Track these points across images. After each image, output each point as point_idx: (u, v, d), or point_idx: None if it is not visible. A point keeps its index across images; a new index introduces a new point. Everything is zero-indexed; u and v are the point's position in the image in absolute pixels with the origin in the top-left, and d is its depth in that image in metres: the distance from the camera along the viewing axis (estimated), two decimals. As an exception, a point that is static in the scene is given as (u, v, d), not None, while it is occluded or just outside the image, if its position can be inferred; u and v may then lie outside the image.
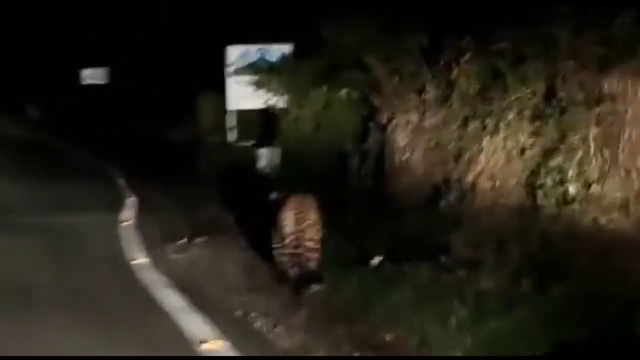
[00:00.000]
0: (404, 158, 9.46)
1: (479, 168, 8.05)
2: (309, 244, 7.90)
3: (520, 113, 7.75)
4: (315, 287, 7.82)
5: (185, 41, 21.27)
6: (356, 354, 6.39)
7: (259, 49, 17.27)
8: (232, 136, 17.38)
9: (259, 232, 11.46)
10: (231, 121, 17.34)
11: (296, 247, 7.92)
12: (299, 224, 7.94)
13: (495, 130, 7.96)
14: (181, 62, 21.54)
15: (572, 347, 5.78)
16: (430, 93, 9.32)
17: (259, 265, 9.52)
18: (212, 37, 18.66)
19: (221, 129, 18.22)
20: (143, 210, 13.58)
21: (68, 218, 12.55)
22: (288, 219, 8.04)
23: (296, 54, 16.79)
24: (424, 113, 9.37)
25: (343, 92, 13.71)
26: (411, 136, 9.47)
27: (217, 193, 14.78)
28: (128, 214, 13.06)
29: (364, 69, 11.39)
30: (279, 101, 15.97)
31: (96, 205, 14.09)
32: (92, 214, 12.93)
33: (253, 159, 16.03)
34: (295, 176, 13.26)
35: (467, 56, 8.87)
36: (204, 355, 6.56)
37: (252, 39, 17.46)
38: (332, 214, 11.20)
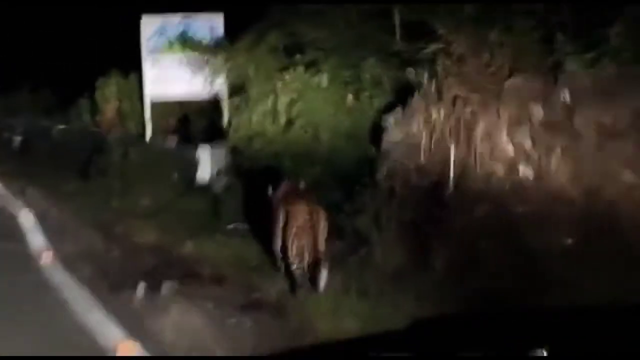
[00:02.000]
0: (525, 173, 6.07)
1: None
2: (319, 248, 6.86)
3: None
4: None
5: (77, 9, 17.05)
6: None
7: (182, 19, 13.48)
8: (147, 131, 13.55)
9: (242, 272, 8.10)
10: (148, 112, 13.49)
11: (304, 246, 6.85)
12: (308, 220, 6.85)
13: None
14: (73, 35, 17.27)
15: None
16: (581, 76, 5.96)
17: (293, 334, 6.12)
18: (116, 4, 14.74)
19: (130, 121, 14.37)
20: (52, 233, 9.79)
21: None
22: (298, 212, 6.90)
23: (230, 27, 13.11)
24: (570, 108, 6.01)
25: (324, 76, 10.27)
26: (542, 141, 6.09)
27: (144, 207, 11.14)
28: (38, 242, 9.29)
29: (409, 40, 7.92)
30: (221, 87, 12.28)
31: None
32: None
33: (183, 161, 12.33)
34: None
35: None
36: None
37: (168, 8, 13.64)
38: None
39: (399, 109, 8.71)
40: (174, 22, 13.46)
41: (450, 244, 6.83)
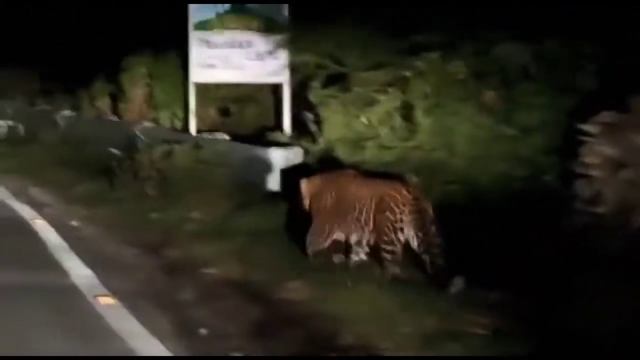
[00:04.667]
0: None
1: None
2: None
3: None
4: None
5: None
6: None
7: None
8: (191, 123, 10.85)
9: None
10: (192, 99, 10.79)
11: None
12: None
13: None
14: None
15: None
16: None
17: None
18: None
19: (165, 110, 11.69)
20: (91, 258, 7.25)
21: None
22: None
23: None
24: None
25: (460, 64, 7.81)
26: None
27: (196, 223, 8.43)
28: (82, 273, 6.80)
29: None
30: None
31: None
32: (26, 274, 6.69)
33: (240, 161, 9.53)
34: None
35: None
36: None
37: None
38: None
39: (604, 114, 6.28)
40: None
41: None
